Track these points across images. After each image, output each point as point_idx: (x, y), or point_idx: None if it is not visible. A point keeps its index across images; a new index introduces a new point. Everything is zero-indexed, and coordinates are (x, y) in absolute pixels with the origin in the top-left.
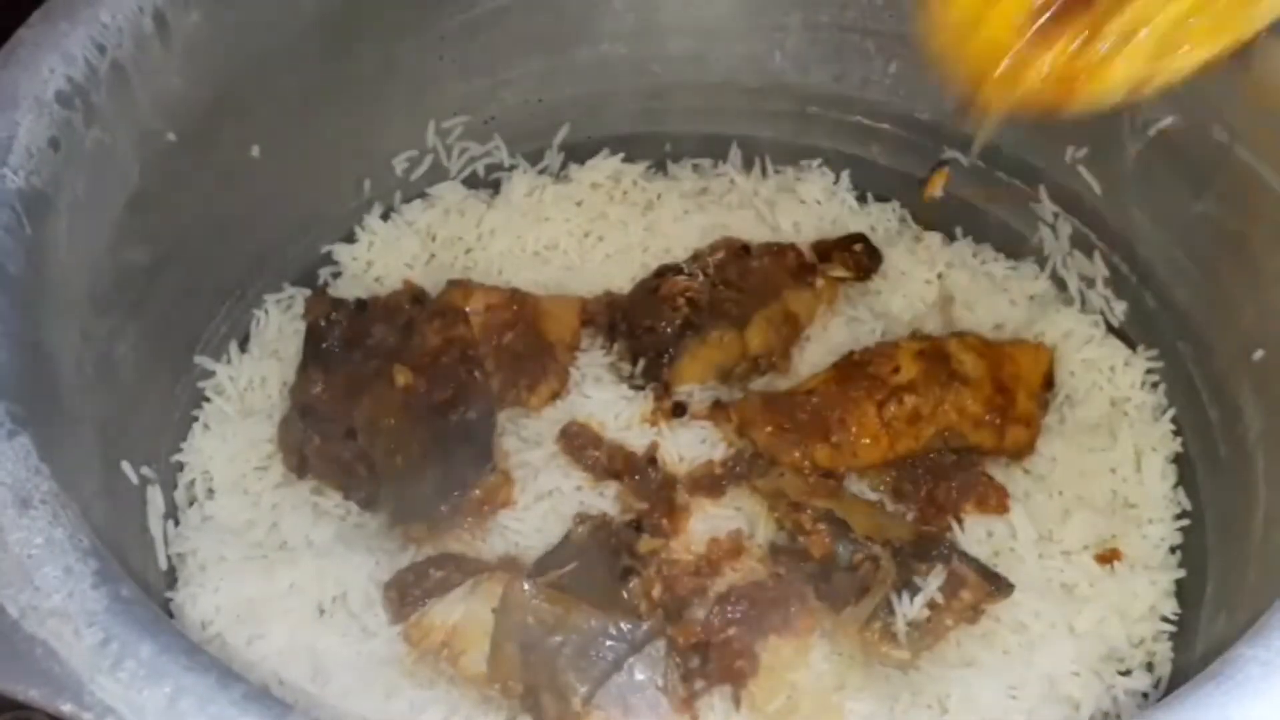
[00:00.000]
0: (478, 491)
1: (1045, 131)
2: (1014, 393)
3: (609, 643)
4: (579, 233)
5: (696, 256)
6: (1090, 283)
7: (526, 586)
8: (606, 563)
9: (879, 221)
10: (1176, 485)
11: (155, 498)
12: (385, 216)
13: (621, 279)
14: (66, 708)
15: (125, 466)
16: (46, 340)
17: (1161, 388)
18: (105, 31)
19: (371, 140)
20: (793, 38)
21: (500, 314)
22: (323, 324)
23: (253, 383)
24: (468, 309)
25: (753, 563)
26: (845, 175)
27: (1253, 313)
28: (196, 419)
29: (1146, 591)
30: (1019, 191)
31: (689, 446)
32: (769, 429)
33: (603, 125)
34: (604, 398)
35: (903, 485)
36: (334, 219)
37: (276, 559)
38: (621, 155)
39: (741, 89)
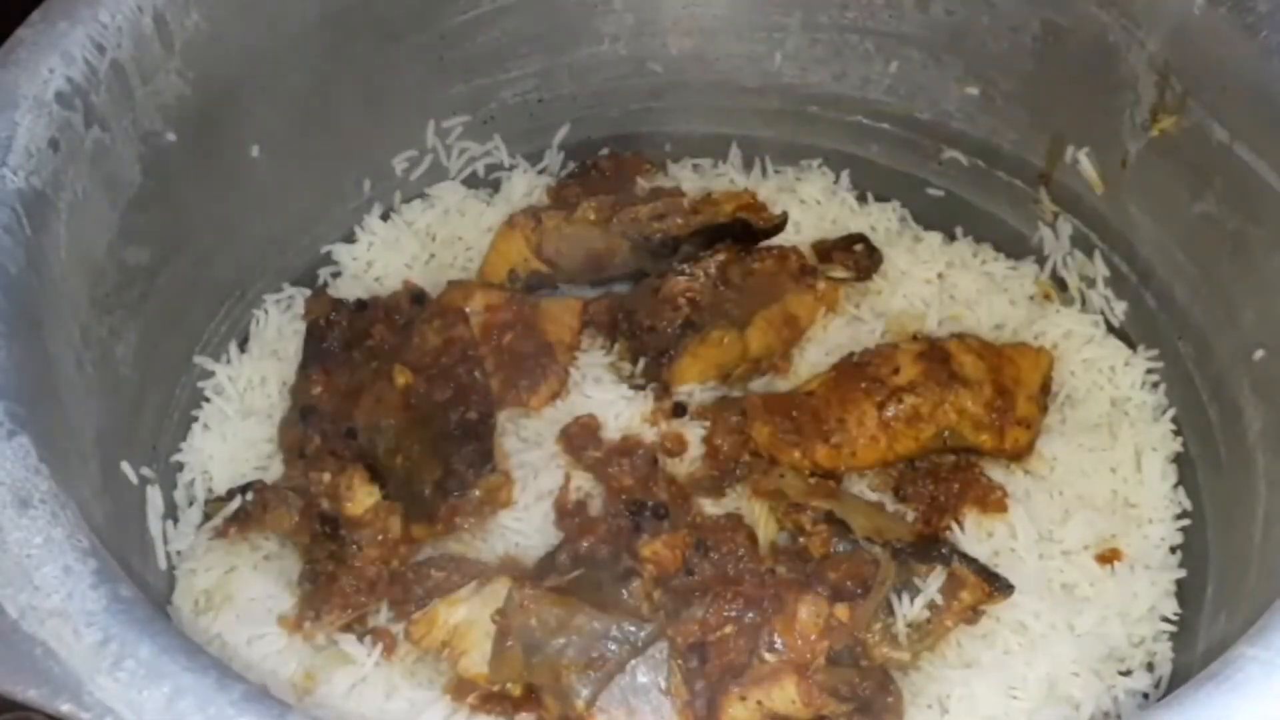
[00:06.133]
0: (478, 492)
1: (1045, 131)
2: (1014, 395)
3: (612, 645)
4: None
5: (698, 257)
6: (1090, 283)
7: (529, 588)
8: (607, 564)
9: (879, 221)
10: (1176, 485)
11: (155, 498)
12: (385, 216)
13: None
14: (65, 708)
15: (125, 466)
16: (46, 340)
17: (1161, 388)
18: (105, 31)
19: (371, 140)
20: (793, 38)
21: (500, 314)
22: (323, 324)
23: (253, 383)
24: (468, 309)
25: None
26: (845, 175)
27: (1253, 313)
28: (196, 419)
29: (1146, 591)
30: (1019, 191)
31: (689, 446)
32: (769, 429)
33: (603, 125)
34: (604, 398)
35: (903, 486)
36: (334, 219)
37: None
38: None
39: (741, 89)
